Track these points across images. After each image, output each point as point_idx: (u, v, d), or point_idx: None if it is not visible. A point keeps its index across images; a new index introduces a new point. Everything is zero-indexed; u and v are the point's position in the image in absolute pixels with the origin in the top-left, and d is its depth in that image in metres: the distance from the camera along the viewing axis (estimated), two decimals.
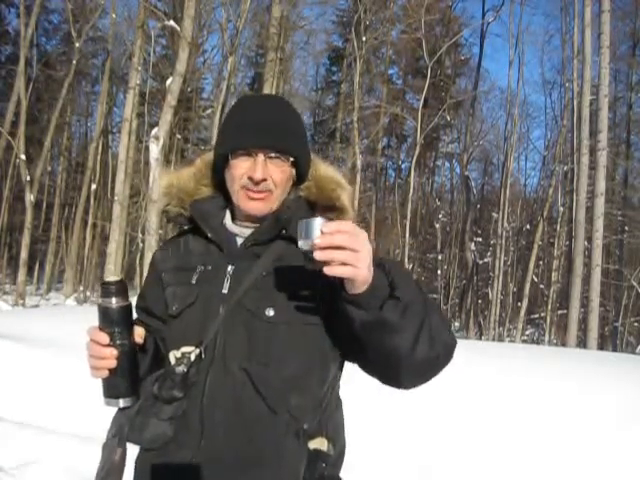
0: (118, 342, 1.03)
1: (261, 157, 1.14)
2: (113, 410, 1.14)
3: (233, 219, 1.23)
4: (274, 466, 1.07)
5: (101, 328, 1.04)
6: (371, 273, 0.93)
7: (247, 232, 1.19)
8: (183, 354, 1.12)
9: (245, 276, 1.14)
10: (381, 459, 3.65)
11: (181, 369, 1.11)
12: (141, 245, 13.81)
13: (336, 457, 1.15)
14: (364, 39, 17.17)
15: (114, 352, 1.03)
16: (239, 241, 1.19)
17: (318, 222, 0.92)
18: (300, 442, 1.09)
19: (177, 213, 1.25)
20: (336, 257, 0.89)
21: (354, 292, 0.94)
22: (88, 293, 19.71)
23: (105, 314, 1.03)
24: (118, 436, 1.12)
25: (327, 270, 0.90)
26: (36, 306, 14.99)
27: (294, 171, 1.18)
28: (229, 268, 1.16)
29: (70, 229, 20.70)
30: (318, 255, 0.89)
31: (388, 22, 20.10)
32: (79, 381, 4.54)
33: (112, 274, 13.05)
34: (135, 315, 1.28)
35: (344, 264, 0.90)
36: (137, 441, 1.13)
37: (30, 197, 14.93)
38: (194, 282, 1.18)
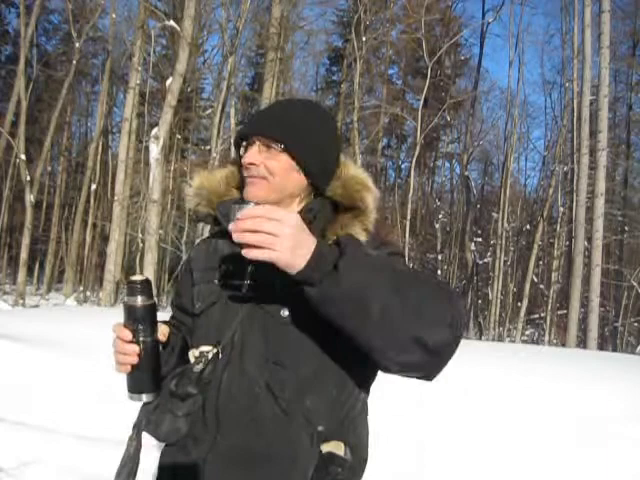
0: (141, 339, 1.07)
1: (256, 144, 1.17)
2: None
3: None
4: (285, 466, 1.08)
5: (126, 325, 1.08)
6: (300, 256, 0.95)
7: None
8: (201, 353, 1.16)
9: (263, 276, 1.14)
10: (377, 458, 3.65)
11: (198, 367, 1.14)
12: (141, 245, 13.79)
13: (355, 463, 1.12)
14: (364, 39, 17.15)
15: (136, 349, 1.07)
16: None
17: (239, 207, 0.98)
18: (313, 444, 1.08)
19: (206, 214, 1.27)
20: (247, 240, 0.93)
21: (293, 273, 0.96)
22: (88, 293, 19.71)
23: (129, 312, 1.07)
24: (135, 430, 1.16)
25: (244, 252, 0.94)
26: (36, 306, 14.98)
27: (295, 163, 1.17)
28: (249, 269, 1.17)
29: (70, 229, 20.69)
30: (234, 237, 0.94)
31: (388, 22, 20.09)
32: (79, 381, 4.55)
33: (112, 274, 13.06)
34: (170, 312, 1.35)
35: (261, 247, 0.93)
36: (154, 435, 1.17)
37: (30, 197, 14.92)
38: (216, 281, 1.21)
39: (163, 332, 1.14)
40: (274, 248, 0.93)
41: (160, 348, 1.13)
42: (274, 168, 1.16)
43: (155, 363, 1.10)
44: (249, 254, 0.93)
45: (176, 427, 1.14)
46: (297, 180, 1.19)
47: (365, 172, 1.25)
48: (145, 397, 1.10)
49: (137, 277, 1.08)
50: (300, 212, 1.17)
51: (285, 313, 1.10)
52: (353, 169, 1.23)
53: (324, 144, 1.21)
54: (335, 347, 1.10)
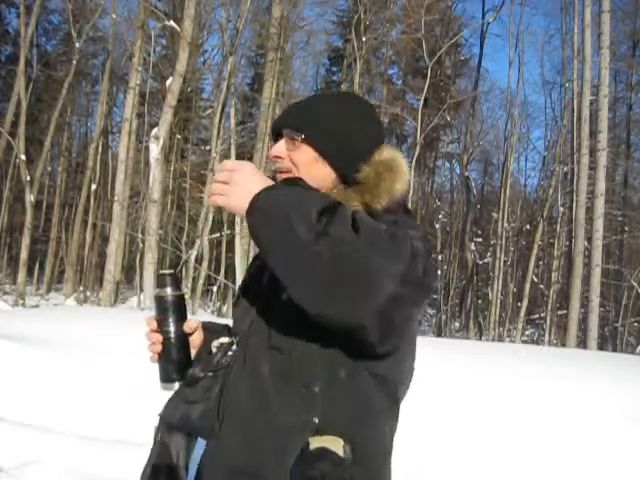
0: (164, 329, 1.14)
1: (282, 138, 1.17)
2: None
3: None
4: (277, 456, 1.04)
5: (155, 316, 1.16)
6: (244, 199, 0.99)
7: None
8: (221, 344, 1.20)
9: None
10: None
11: (212, 356, 1.18)
12: (141, 245, 13.79)
13: (358, 465, 1.04)
14: (364, 39, 17.15)
15: (159, 337, 1.15)
16: None
17: None
18: (303, 435, 1.03)
19: None
20: (211, 188, 1.05)
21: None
22: (88, 293, 19.68)
23: (158, 302, 1.15)
24: (159, 416, 1.21)
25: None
26: (36, 306, 14.97)
27: (317, 154, 1.14)
28: None
29: (70, 229, 20.67)
30: None
31: (388, 22, 20.10)
32: (79, 381, 4.55)
33: (112, 274, 13.09)
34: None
35: (218, 194, 1.04)
36: (169, 422, 1.19)
37: (30, 197, 14.92)
38: (247, 274, 1.27)
39: (190, 325, 1.18)
40: (223, 194, 1.03)
41: (185, 338, 1.18)
42: (297, 160, 1.15)
43: (181, 353, 1.15)
44: (208, 200, 1.02)
45: (186, 414, 1.15)
46: (323, 171, 1.15)
47: (401, 156, 1.17)
48: (174, 386, 1.15)
49: (166, 271, 1.16)
50: None
51: (284, 297, 1.04)
52: (387, 153, 1.16)
53: (347, 132, 1.15)
54: (333, 334, 1.00)
